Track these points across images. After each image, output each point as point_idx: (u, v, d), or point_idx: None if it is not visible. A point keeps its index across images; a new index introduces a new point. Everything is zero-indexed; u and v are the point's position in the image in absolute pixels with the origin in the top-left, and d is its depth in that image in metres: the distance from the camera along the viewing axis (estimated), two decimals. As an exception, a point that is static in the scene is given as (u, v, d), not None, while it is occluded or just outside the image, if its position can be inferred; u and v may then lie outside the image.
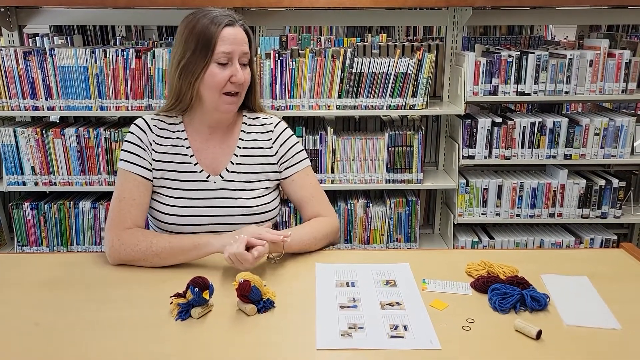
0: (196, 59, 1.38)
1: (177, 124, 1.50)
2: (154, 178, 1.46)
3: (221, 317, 1.14)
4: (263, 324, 1.12)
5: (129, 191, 1.43)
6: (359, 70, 2.41)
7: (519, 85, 2.44)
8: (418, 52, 2.39)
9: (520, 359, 1.00)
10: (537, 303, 1.17)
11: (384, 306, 1.18)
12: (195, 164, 1.48)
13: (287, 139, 1.57)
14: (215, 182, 1.49)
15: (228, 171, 1.50)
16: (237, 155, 1.51)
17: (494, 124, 2.49)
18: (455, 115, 2.61)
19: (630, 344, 1.05)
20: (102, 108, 2.37)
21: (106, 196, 2.58)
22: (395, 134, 2.49)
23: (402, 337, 1.07)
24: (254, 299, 1.15)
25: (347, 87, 2.43)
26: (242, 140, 1.53)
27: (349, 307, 1.18)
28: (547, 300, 1.19)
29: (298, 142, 1.59)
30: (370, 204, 2.61)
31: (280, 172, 1.56)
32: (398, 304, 1.20)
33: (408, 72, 2.40)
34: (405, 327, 1.10)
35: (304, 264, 1.37)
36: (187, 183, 1.47)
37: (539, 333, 1.06)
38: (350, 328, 1.10)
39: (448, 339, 1.06)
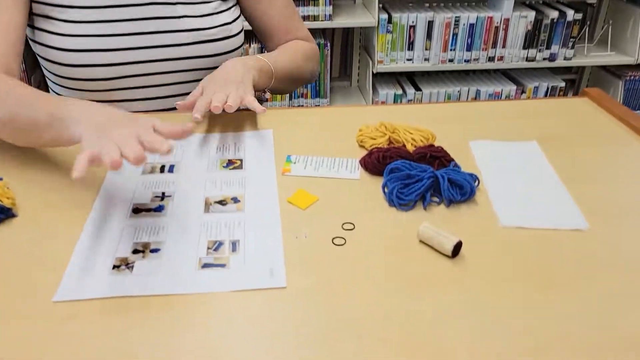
0: None
1: None
2: None
3: None
4: (-24, 254, 0.62)
5: None
6: None
7: None
8: None
9: (417, 294, 0.56)
10: (460, 191, 0.71)
11: (209, 206, 0.71)
12: None
13: None
14: None
15: None
16: None
17: (424, -64, 1.89)
18: None
19: (600, 253, 0.63)
20: None
21: None
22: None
23: (223, 265, 0.61)
24: (-35, 207, 0.64)
25: None
26: None
27: (150, 210, 0.69)
28: (476, 184, 0.74)
29: None
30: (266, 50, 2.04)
31: None
32: (235, 201, 0.72)
33: None
34: (233, 246, 0.64)
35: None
36: None
37: (457, 247, 0.62)
38: (134, 253, 0.62)
39: (308, 265, 0.60)
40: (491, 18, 2.03)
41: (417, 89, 2.18)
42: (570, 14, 2.05)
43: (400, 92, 2.16)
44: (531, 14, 2.04)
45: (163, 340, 0.51)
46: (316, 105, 2.12)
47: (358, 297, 0.56)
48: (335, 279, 0.59)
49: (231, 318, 0.54)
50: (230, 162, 0.80)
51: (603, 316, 0.54)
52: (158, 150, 0.60)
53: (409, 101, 2.14)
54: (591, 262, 0.61)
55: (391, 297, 0.56)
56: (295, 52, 1.05)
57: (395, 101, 2.15)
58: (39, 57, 0.94)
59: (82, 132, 0.65)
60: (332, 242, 0.64)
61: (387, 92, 2.14)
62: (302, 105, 2.11)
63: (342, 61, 2.35)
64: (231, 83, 0.85)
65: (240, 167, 0.79)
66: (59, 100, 0.73)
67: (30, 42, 0.94)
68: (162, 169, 0.78)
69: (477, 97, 2.19)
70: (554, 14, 2.06)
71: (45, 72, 0.97)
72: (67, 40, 0.89)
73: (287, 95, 2.08)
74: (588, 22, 2.22)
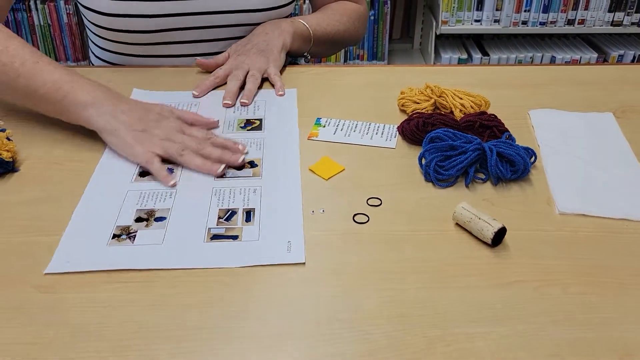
0: None
1: None
2: None
3: None
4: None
5: None
6: None
7: None
8: None
9: (444, 289, 0.47)
10: (511, 167, 0.60)
11: (225, 172, 0.63)
12: None
13: None
14: None
15: None
16: None
17: None
18: None
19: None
20: None
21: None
22: None
23: (235, 237, 0.54)
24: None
25: None
26: None
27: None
28: (532, 160, 0.62)
29: None
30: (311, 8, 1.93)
31: None
32: (252, 165, 0.64)
33: None
34: (247, 216, 0.56)
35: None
36: None
37: (500, 234, 0.52)
38: (137, 221, 0.56)
39: (321, 245, 0.52)
40: (573, -25, 1.82)
41: (485, 54, 2.01)
42: (668, -28, 1.81)
43: (465, 56, 2.00)
44: (621, -29, 1.82)
45: (166, 318, 0.45)
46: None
47: (370, 288, 0.48)
48: (348, 263, 0.50)
49: (243, 296, 0.47)
50: (248, 122, 0.72)
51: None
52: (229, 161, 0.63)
53: (475, 67, 1.98)
54: (669, 263, 0.50)
55: (411, 290, 0.47)
56: (340, 14, 0.97)
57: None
58: (79, 5, 0.88)
59: (115, 125, 0.64)
60: (353, 220, 0.56)
61: (450, 56, 1.99)
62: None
63: (405, 21, 2.20)
64: (255, 53, 0.81)
65: (259, 127, 0.71)
66: (64, 73, 0.66)
67: None
68: (178, 128, 0.71)
69: (552, 64, 2.00)
70: (648, -28, 1.83)
71: (85, 21, 0.92)
72: None
73: (342, 56, 1.97)
74: (688, -18, 1.96)
